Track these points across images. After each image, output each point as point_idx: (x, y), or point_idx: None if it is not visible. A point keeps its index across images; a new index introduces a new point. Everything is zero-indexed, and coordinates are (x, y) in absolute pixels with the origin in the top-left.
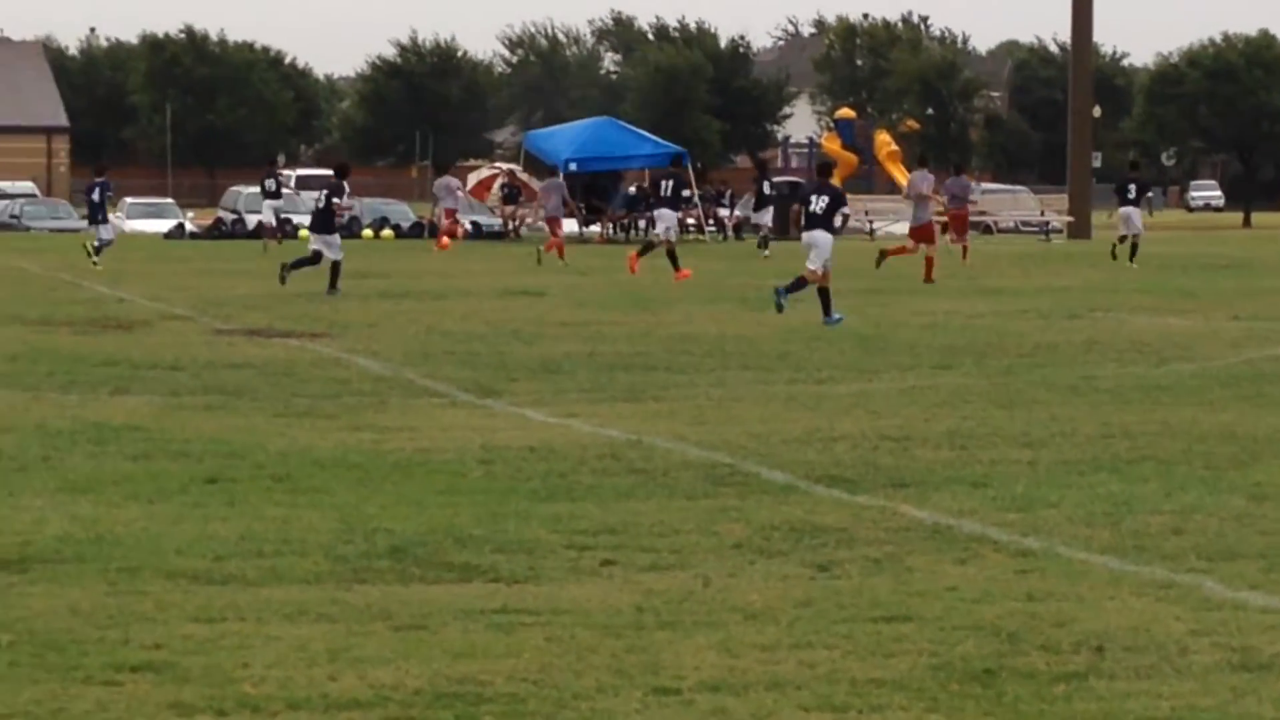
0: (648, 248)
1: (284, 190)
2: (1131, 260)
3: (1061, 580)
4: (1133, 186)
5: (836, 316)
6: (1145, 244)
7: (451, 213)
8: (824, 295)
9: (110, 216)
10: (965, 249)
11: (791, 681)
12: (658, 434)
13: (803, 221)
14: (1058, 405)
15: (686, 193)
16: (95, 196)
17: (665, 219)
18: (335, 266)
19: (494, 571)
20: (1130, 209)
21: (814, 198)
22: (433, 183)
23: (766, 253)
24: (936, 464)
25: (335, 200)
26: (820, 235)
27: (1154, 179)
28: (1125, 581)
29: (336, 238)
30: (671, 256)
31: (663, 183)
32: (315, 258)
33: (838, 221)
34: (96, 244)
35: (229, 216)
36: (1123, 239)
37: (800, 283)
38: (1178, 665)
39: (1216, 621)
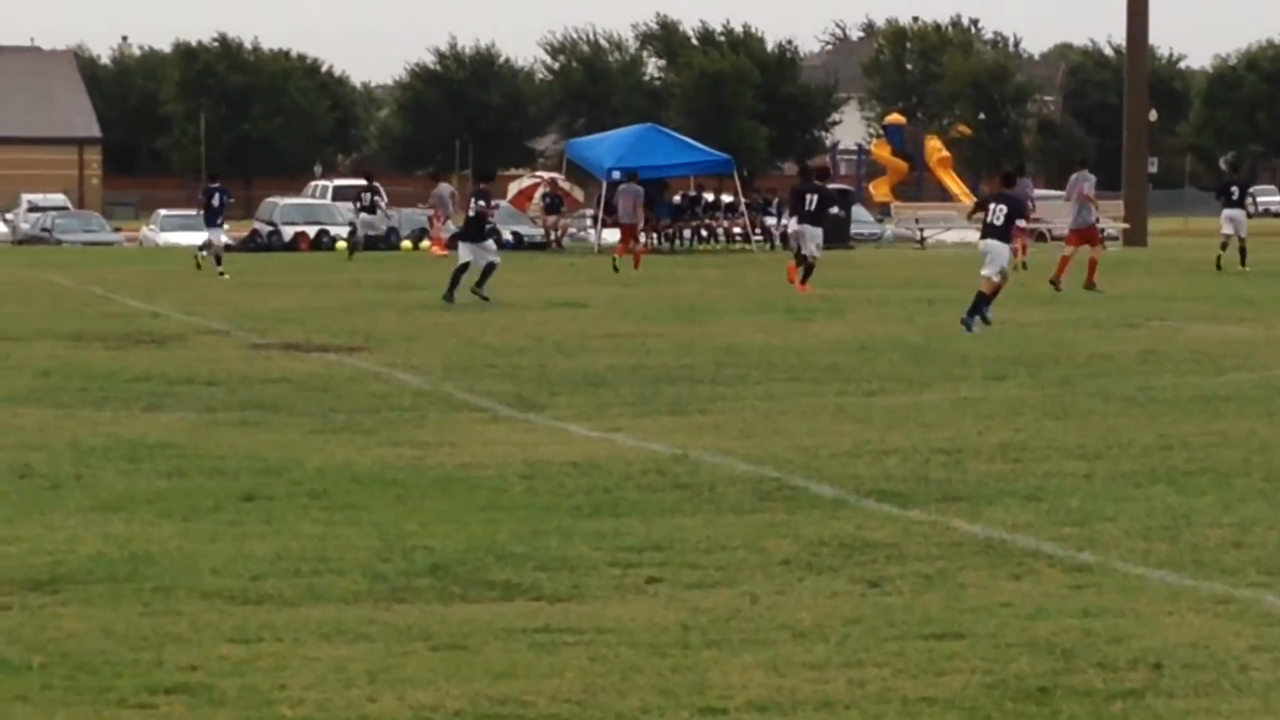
0: (808, 270)
1: (380, 208)
2: (1244, 264)
3: (1118, 596)
4: (1235, 188)
5: (975, 328)
6: (1202, 250)
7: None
8: (981, 299)
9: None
10: (1022, 253)
11: (841, 701)
12: (703, 448)
13: (980, 230)
14: (1114, 416)
15: (834, 210)
16: (215, 201)
17: (813, 236)
18: (490, 268)
19: (536, 590)
20: (1235, 211)
21: (993, 206)
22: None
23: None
24: (989, 477)
25: (483, 205)
26: (996, 245)
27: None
28: (1183, 597)
29: (490, 242)
30: (808, 270)
31: (807, 197)
32: (464, 268)
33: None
34: (205, 252)
35: (265, 228)
36: (1225, 244)
37: (981, 298)
38: (1238, 682)
39: (1277, 637)
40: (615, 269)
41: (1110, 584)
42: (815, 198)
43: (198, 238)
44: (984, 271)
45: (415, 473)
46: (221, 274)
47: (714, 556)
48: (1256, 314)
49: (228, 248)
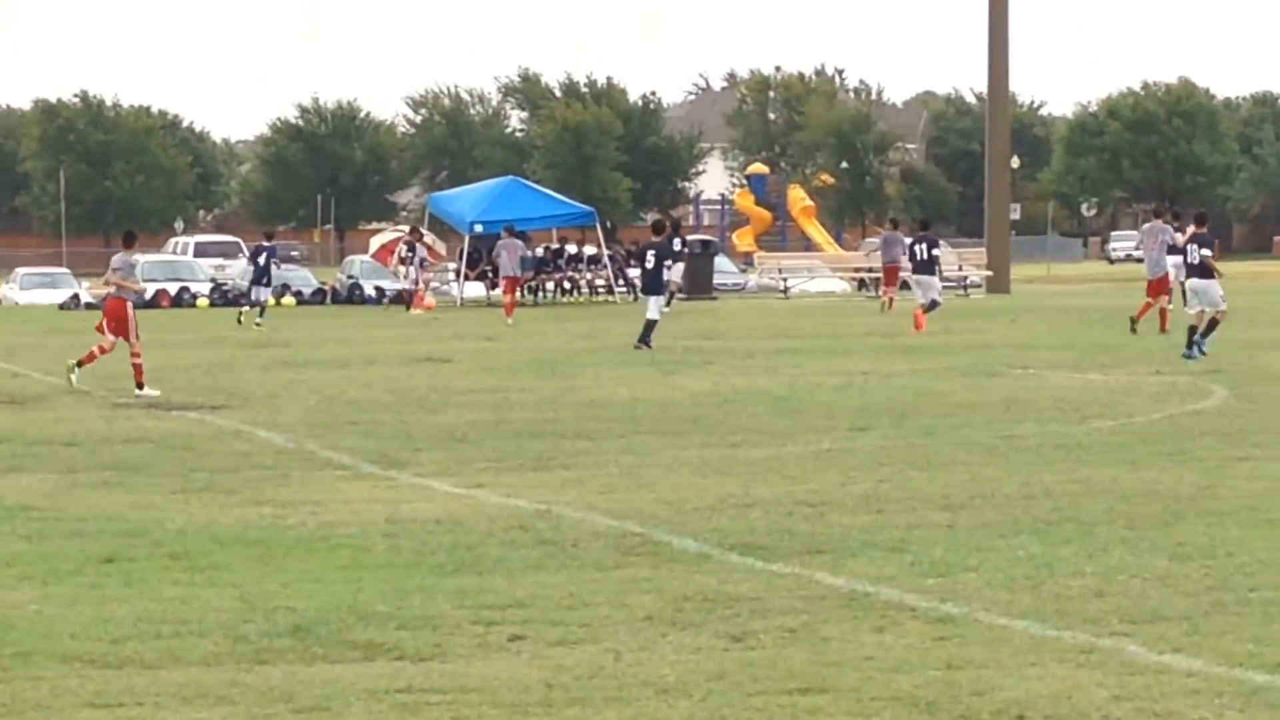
0: (932, 305)
1: (422, 259)
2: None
3: (981, 647)
4: (1197, 250)
5: (1196, 356)
6: (1065, 297)
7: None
8: (1194, 332)
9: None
10: (891, 301)
11: None
12: (567, 503)
13: (1184, 272)
14: (977, 466)
15: (937, 252)
16: (261, 260)
17: (929, 285)
18: (652, 324)
19: (399, 649)
20: (1199, 280)
21: (1190, 248)
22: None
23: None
24: (853, 529)
25: (666, 262)
26: (1201, 283)
27: (1074, 230)
28: (1046, 647)
29: (664, 297)
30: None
31: (918, 249)
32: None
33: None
34: (251, 305)
35: None
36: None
37: (1193, 330)
38: None
39: (1140, 686)
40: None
41: (973, 635)
42: (926, 246)
43: (57, 295)
44: (1190, 309)
45: (277, 532)
46: (258, 325)
47: (577, 613)
48: (1118, 361)
49: (87, 306)
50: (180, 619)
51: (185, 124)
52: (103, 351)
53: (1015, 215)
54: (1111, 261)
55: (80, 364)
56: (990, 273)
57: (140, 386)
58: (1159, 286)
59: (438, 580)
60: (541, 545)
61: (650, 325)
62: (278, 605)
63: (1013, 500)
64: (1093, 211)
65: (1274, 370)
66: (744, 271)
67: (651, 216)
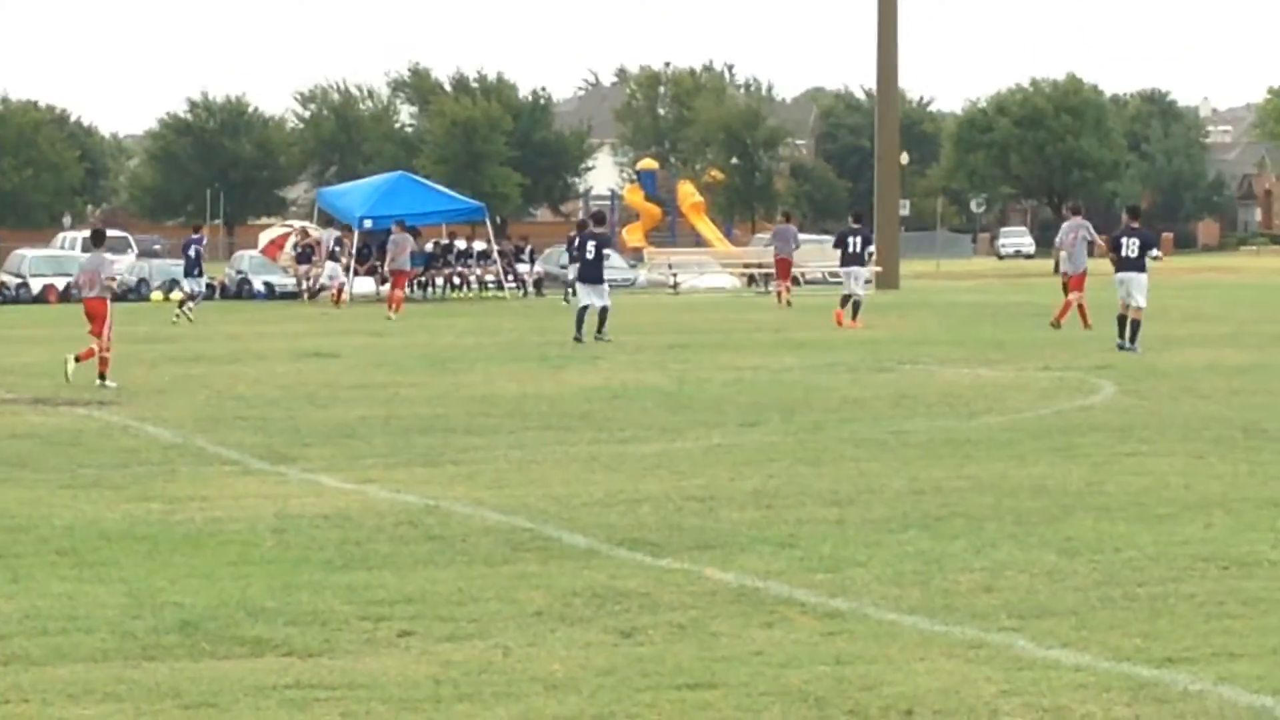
0: (856, 306)
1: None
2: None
3: (870, 642)
4: (1135, 242)
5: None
6: (954, 293)
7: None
8: (1135, 327)
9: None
10: (784, 294)
11: None
12: (456, 499)
13: (1117, 264)
14: (866, 461)
15: (871, 249)
16: (191, 253)
17: (859, 276)
18: (604, 312)
19: (287, 645)
20: (1134, 274)
21: (1124, 240)
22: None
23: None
24: (742, 525)
25: (606, 251)
26: (1135, 275)
27: (964, 226)
28: (935, 642)
29: (606, 286)
30: (855, 307)
31: (849, 240)
32: (584, 310)
33: (1148, 261)
34: (187, 295)
35: (13, 281)
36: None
37: (1135, 325)
38: None
39: (1028, 681)
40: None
41: (862, 630)
42: (859, 240)
43: None
44: (1136, 303)
45: (165, 528)
46: (182, 319)
47: (466, 609)
48: (1007, 356)
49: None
50: (67, 615)
51: (73, 118)
52: (106, 352)
53: (905, 211)
54: (1001, 257)
55: (101, 374)
56: (880, 268)
57: (103, 376)
58: (1078, 283)
59: (326, 576)
60: (430, 541)
61: (604, 313)
62: (165, 601)
63: (901, 496)
64: (982, 208)
65: (1161, 367)
66: (634, 267)
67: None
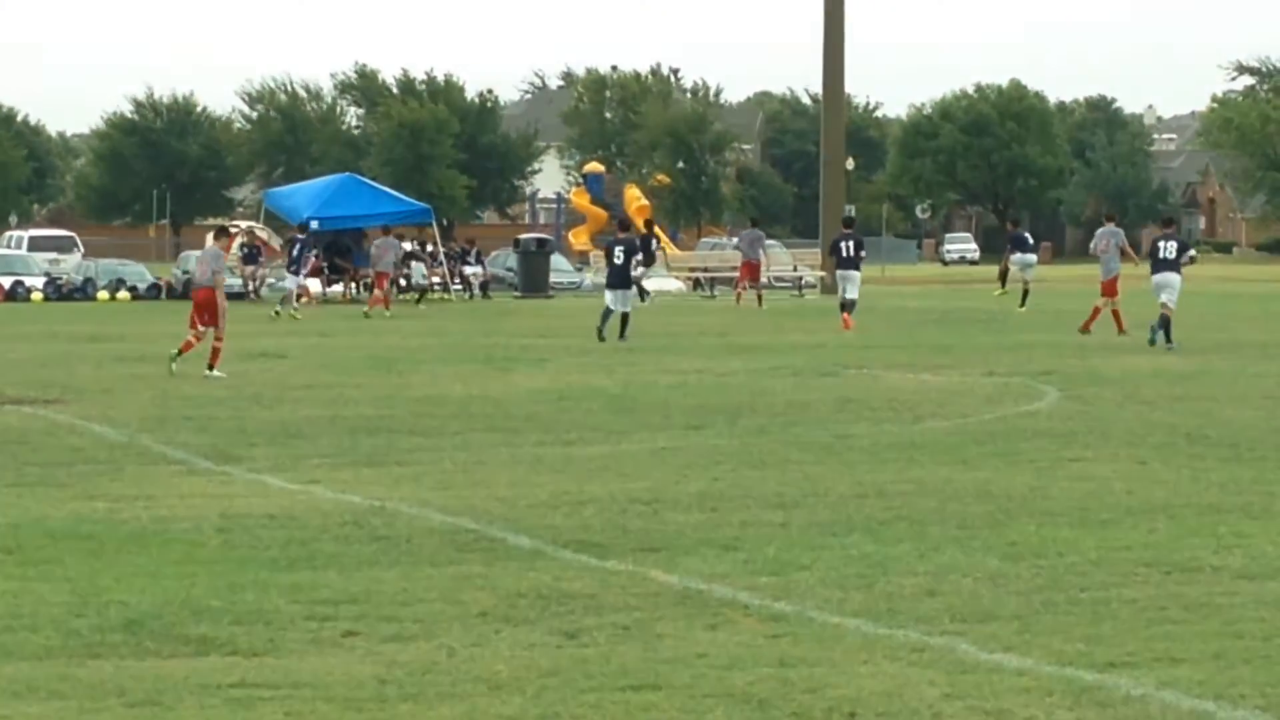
0: (850, 305)
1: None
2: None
3: (814, 645)
4: (1172, 245)
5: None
6: (900, 298)
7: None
8: (1167, 325)
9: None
10: (760, 296)
11: None
12: (401, 500)
13: (1154, 266)
14: (811, 465)
15: (863, 253)
16: (295, 251)
17: (854, 280)
18: (625, 318)
19: (232, 644)
20: (1171, 275)
21: (1162, 244)
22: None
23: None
24: (687, 527)
25: (634, 257)
26: (1172, 276)
27: (909, 232)
28: (878, 645)
29: (633, 290)
30: (848, 307)
31: (843, 245)
32: (609, 312)
33: (1185, 261)
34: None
35: None
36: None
37: (1165, 321)
38: None
39: (971, 685)
40: (367, 316)
41: (806, 633)
42: (852, 244)
43: None
44: (1168, 301)
45: (110, 526)
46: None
47: (411, 609)
48: (952, 361)
49: None
50: (12, 613)
51: (20, 117)
52: (196, 339)
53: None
54: (946, 263)
55: (180, 354)
56: (825, 273)
57: (212, 366)
58: (1110, 288)
59: (271, 575)
60: (376, 541)
61: (625, 319)
62: (110, 600)
63: (846, 499)
64: (927, 214)
65: (1105, 373)
66: (580, 270)
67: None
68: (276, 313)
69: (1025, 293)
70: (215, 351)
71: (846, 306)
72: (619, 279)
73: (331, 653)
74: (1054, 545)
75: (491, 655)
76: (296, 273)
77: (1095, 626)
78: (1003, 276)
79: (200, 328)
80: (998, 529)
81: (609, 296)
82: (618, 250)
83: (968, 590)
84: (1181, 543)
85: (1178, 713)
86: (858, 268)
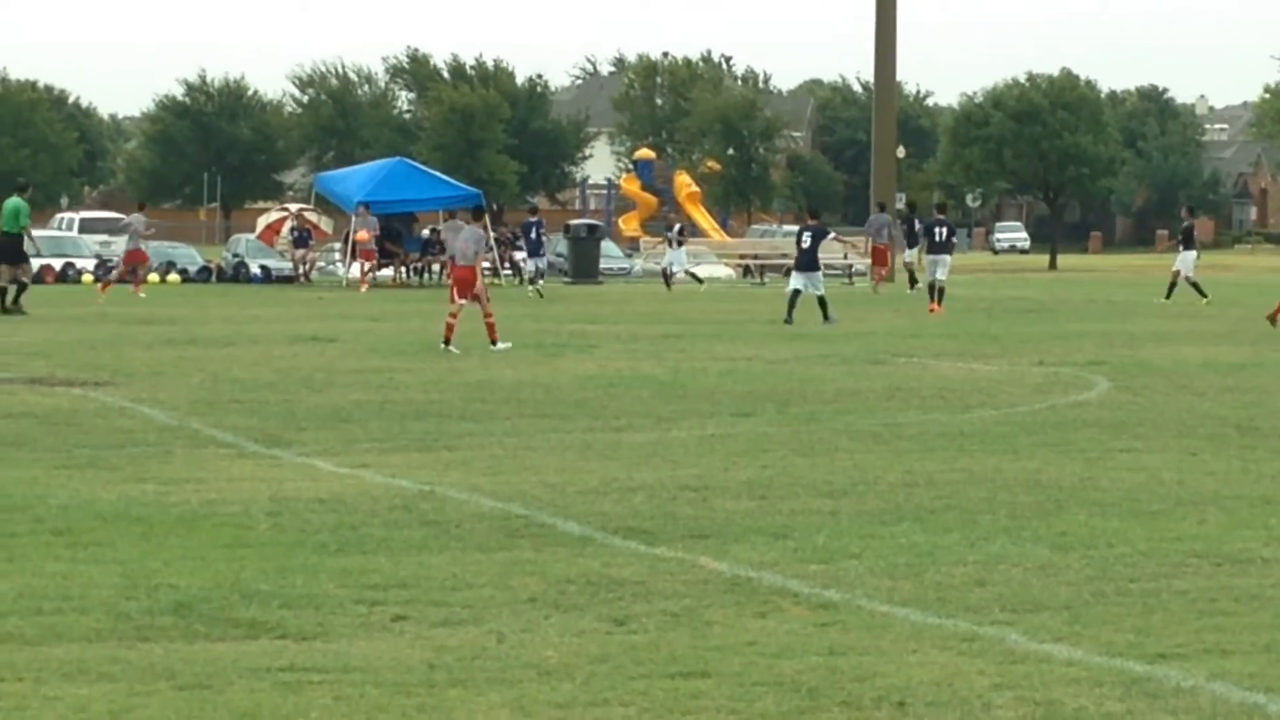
0: (941, 293)
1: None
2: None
3: (863, 634)
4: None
5: None
6: (949, 286)
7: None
8: None
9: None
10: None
11: None
12: (451, 485)
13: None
14: (860, 453)
15: (955, 239)
16: (533, 234)
17: (945, 264)
18: (822, 301)
19: (281, 628)
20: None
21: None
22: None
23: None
24: (736, 514)
25: (821, 241)
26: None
27: (959, 220)
28: (928, 634)
29: (820, 274)
30: (936, 292)
31: (936, 230)
32: (796, 295)
33: None
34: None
35: None
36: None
37: None
38: None
39: (1020, 675)
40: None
41: (855, 622)
42: (945, 230)
43: None
44: None
45: (160, 509)
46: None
47: (460, 594)
48: (1001, 351)
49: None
50: (62, 595)
51: (72, 99)
52: (454, 318)
53: (900, 205)
54: (996, 252)
55: (447, 341)
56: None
57: (493, 341)
58: None
59: (321, 559)
60: (425, 526)
61: (823, 302)
62: (160, 583)
63: (895, 488)
64: (977, 202)
65: (1156, 363)
66: (629, 256)
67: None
68: (535, 293)
69: (1173, 285)
70: (490, 328)
71: (935, 291)
72: (808, 263)
73: (381, 637)
74: (1104, 536)
75: (540, 641)
76: (536, 254)
77: (1145, 618)
78: (1197, 287)
79: (460, 301)
80: (1047, 519)
81: (797, 280)
82: (805, 235)
83: (1017, 580)
84: (1232, 534)
85: (1228, 705)
86: (950, 252)
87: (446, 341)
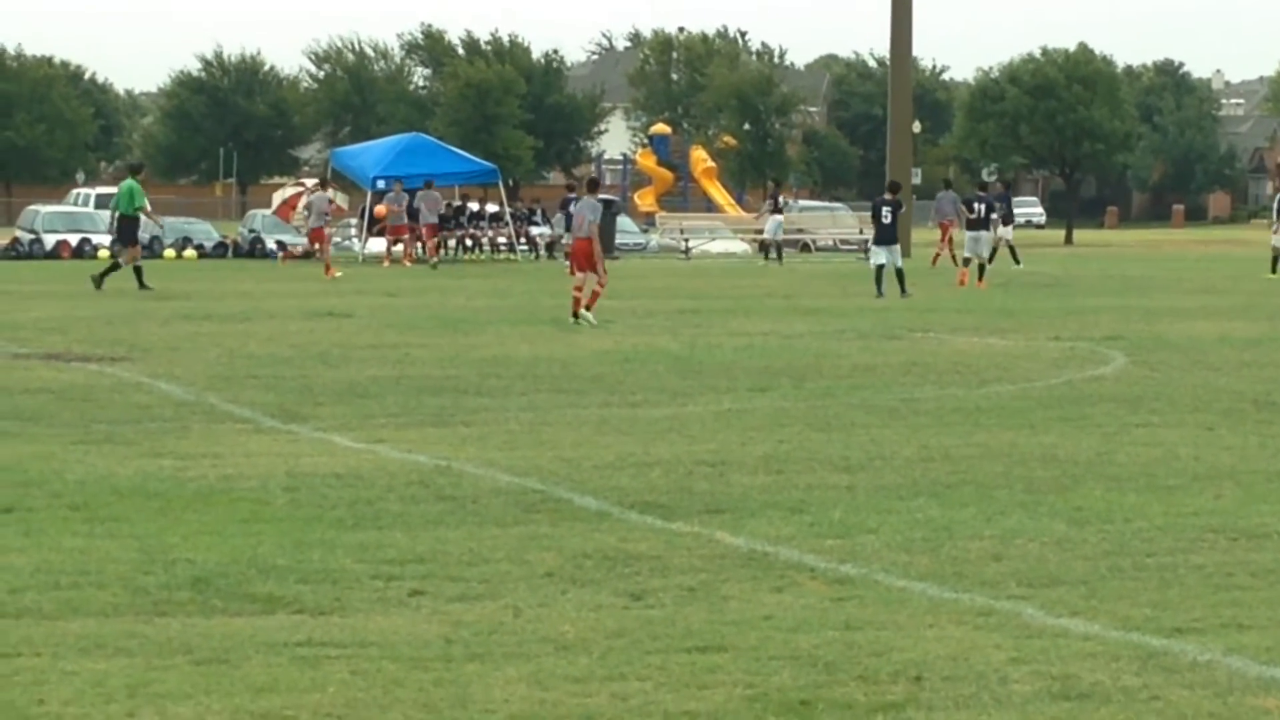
0: (981, 268)
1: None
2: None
3: (880, 608)
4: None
5: None
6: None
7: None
8: None
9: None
10: (938, 258)
11: (604, 714)
12: (467, 459)
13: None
14: (876, 428)
15: (994, 215)
16: (571, 209)
17: (984, 240)
18: (899, 274)
19: (298, 603)
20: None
21: None
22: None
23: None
24: (752, 489)
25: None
26: None
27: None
28: (944, 609)
29: (899, 247)
30: (977, 268)
31: (976, 206)
32: (881, 269)
33: None
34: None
35: (26, 236)
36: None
37: None
38: (997, 695)
39: (1037, 649)
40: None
41: (872, 596)
42: (984, 206)
43: None
44: None
45: (177, 484)
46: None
47: (477, 569)
48: (1017, 326)
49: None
50: (79, 570)
51: (88, 75)
52: (579, 290)
53: (916, 180)
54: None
55: (575, 314)
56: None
57: (589, 308)
58: None
59: (338, 534)
60: (442, 501)
61: (899, 274)
62: (177, 557)
63: (911, 463)
64: (993, 177)
65: (1172, 338)
66: (645, 231)
67: (553, 175)
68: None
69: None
70: (594, 295)
71: (967, 263)
72: (890, 237)
73: (398, 612)
74: (1120, 510)
75: (557, 616)
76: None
77: (1162, 592)
78: None
79: (579, 274)
80: (1064, 494)
81: (880, 254)
82: (885, 210)
83: (1034, 555)
84: (1249, 509)
85: (1244, 679)
86: (988, 228)
87: (575, 315)
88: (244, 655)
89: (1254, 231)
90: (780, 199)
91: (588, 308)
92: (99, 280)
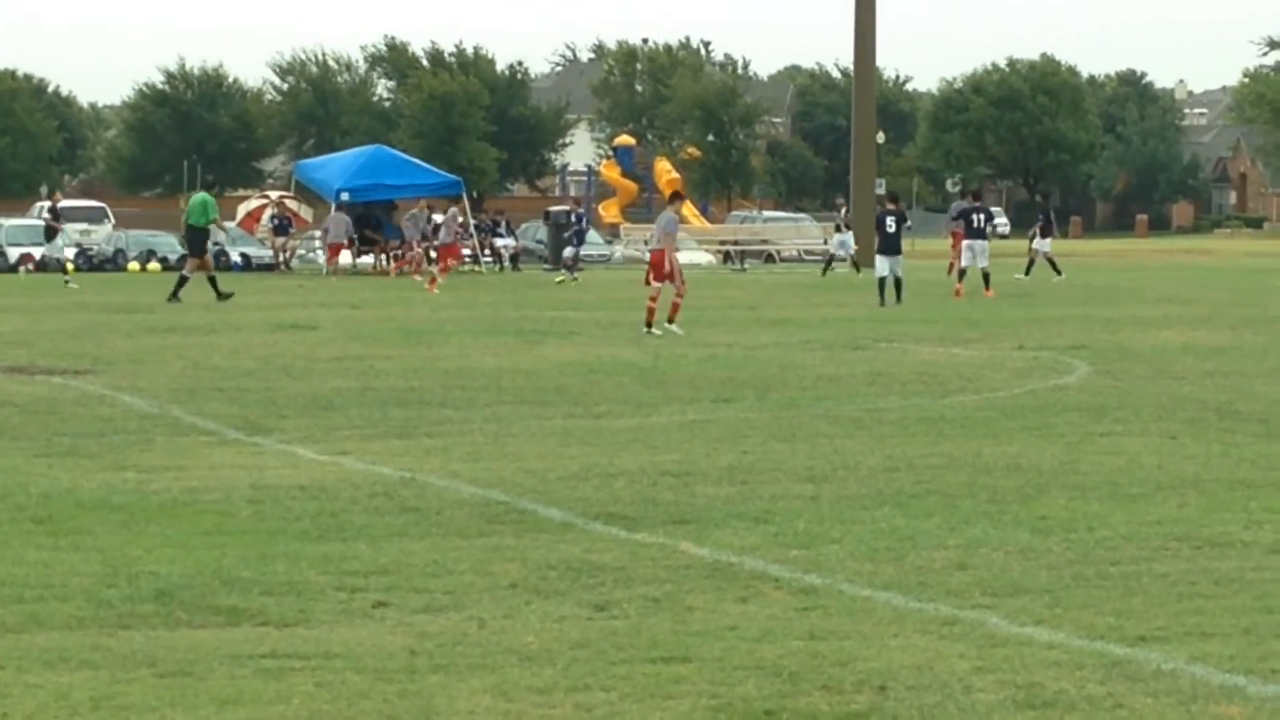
0: (986, 277)
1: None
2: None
3: (844, 618)
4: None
5: None
6: (928, 271)
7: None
8: None
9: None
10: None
11: None
12: (431, 471)
13: None
14: (841, 438)
15: (990, 225)
16: (572, 218)
17: (982, 250)
18: (898, 283)
19: (262, 615)
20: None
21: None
22: None
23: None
24: (717, 500)
25: (906, 225)
26: None
27: (939, 206)
28: (909, 619)
29: (901, 258)
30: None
31: (973, 216)
32: (884, 280)
33: None
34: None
35: None
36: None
37: None
38: (962, 704)
39: (1001, 659)
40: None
41: (836, 606)
42: (982, 217)
43: None
44: None
45: (141, 497)
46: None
47: (441, 580)
48: (981, 335)
49: None
50: (43, 583)
51: (51, 88)
52: (653, 300)
53: (880, 190)
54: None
55: (649, 325)
56: (855, 247)
57: (671, 320)
58: None
59: (302, 546)
60: (406, 513)
61: (898, 283)
62: (141, 570)
63: (876, 473)
64: (957, 187)
65: (1135, 347)
66: (610, 243)
67: (517, 187)
68: (559, 281)
69: None
70: (675, 307)
71: (961, 275)
72: (892, 246)
73: (362, 624)
74: (1084, 519)
75: (522, 627)
76: (579, 241)
77: (1126, 600)
78: None
79: (656, 285)
80: (1028, 503)
81: (883, 265)
82: (889, 220)
83: (998, 564)
84: (1212, 517)
85: (1208, 687)
86: (985, 238)
87: (648, 325)
88: (208, 668)
89: (1217, 241)
90: (848, 213)
91: (670, 319)
92: (174, 296)
